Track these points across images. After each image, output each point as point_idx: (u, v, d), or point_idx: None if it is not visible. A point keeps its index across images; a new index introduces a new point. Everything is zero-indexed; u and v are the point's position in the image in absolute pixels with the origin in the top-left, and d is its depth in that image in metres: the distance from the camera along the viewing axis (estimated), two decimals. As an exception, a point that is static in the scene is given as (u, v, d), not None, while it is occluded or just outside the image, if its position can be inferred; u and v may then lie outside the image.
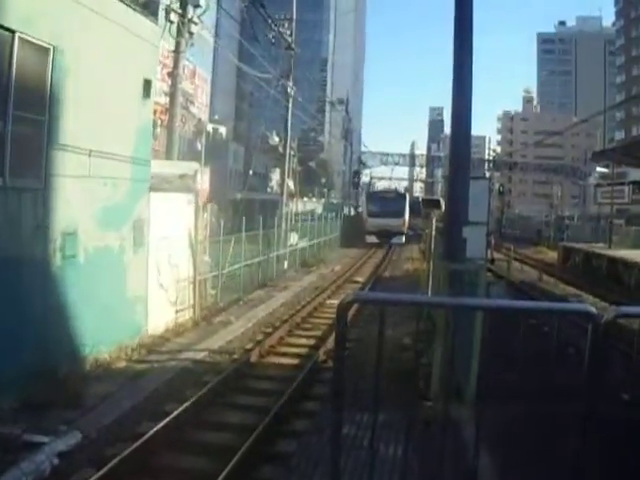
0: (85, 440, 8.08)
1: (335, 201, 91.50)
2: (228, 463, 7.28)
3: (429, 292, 12.86)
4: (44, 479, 7.09)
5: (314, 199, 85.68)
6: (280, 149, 40.48)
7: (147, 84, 13.24)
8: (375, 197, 52.04)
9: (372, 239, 46.76)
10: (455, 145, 8.56)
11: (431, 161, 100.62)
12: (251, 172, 40.35)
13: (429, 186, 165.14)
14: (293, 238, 30.79)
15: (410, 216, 50.62)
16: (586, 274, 29.15)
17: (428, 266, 14.77)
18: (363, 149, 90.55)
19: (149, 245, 13.82)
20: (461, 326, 5.94)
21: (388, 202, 49.06)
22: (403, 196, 52.46)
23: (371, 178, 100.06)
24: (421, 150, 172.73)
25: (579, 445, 2.86)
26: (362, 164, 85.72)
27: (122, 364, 11.72)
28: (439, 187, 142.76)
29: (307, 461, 6.91)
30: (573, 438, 2.93)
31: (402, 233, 48.69)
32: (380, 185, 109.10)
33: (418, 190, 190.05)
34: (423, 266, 19.54)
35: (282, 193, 33.90)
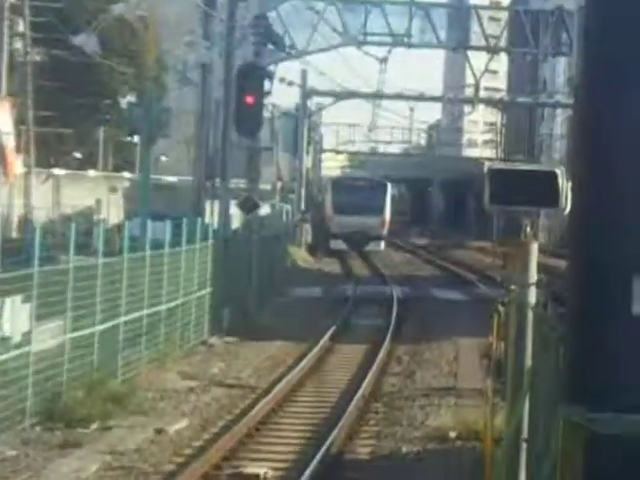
0: None
1: (172, 179, 44.70)
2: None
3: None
4: None
5: (94, 171, 46.28)
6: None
7: None
8: (343, 186, 50.92)
9: (339, 245, 46.71)
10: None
11: (526, 30, 41.20)
12: None
13: (517, 125, 73.62)
14: (10, 321, 15.45)
15: (450, 227, 54.81)
16: None
17: (515, 425, 8.71)
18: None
19: None
20: None
21: (362, 193, 48.21)
22: (382, 185, 51.37)
23: (304, 92, 50.00)
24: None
25: None
26: (274, 44, 38.79)
27: None
28: (556, 128, 66.94)
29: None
30: None
31: (380, 237, 48.94)
32: (340, 117, 70.23)
33: (479, 138, 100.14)
34: (498, 423, 12.69)
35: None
